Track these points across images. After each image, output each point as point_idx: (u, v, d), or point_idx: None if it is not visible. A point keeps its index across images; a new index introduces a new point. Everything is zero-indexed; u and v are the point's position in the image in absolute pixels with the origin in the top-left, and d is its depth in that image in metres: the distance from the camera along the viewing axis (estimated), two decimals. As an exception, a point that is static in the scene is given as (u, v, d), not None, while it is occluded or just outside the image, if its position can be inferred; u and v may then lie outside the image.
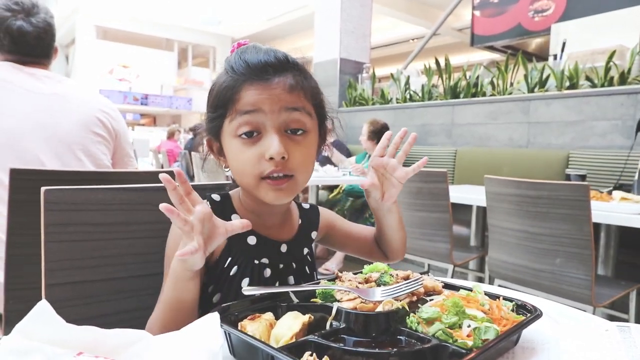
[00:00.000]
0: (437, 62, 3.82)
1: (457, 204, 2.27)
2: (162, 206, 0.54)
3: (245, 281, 0.71)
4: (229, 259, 0.72)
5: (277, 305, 0.59)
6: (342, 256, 3.45)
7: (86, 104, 1.37)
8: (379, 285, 0.63)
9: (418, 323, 0.53)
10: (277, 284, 0.75)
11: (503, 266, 1.91)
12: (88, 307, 0.79)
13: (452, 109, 3.64)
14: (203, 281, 0.72)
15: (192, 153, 4.64)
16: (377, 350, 0.49)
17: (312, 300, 0.62)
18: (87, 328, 0.42)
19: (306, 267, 0.80)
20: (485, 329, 0.50)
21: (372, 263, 0.73)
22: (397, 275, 0.66)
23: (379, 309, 0.55)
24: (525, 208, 1.73)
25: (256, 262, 0.73)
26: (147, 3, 12.05)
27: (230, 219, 0.70)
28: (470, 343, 0.49)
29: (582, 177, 2.09)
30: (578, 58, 3.01)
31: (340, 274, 0.68)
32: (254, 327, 0.52)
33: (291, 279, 0.77)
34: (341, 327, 0.54)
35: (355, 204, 3.64)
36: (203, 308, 0.70)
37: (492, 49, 6.13)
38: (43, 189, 0.75)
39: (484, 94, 3.51)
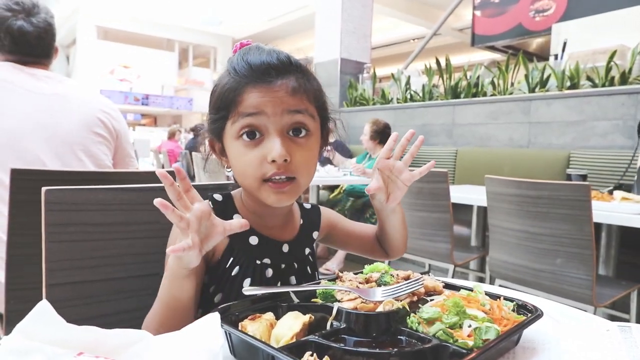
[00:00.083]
0: (438, 62, 3.82)
1: (458, 204, 2.26)
2: (157, 201, 0.53)
3: (247, 281, 0.71)
4: (231, 259, 0.72)
5: (278, 305, 0.59)
6: (342, 256, 3.45)
7: (87, 104, 1.37)
8: (379, 285, 0.63)
9: (419, 323, 0.53)
10: (278, 284, 0.75)
11: (504, 266, 1.91)
12: (88, 307, 0.79)
13: (453, 109, 3.64)
14: (204, 281, 0.72)
15: (193, 153, 4.64)
16: (377, 351, 0.49)
17: (312, 300, 0.62)
18: (88, 328, 0.42)
19: (308, 267, 0.80)
20: (486, 329, 0.50)
21: (372, 263, 0.73)
22: (397, 275, 0.66)
23: (380, 309, 0.55)
24: (526, 208, 1.73)
25: (258, 262, 0.73)
26: (148, 3, 12.06)
27: (231, 219, 0.69)
28: (471, 343, 0.49)
29: (583, 177, 2.08)
30: (579, 58, 3.00)
31: (340, 274, 0.68)
32: (254, 327, 0.52)
33: (293, 279, 0.77)
34: (342, 327, 0.54)
35: (355, 204, 3.64)
36: (204, 308, 0.70)
37: (492, 49, 6.13)
38: (44, 189, 0.75)
39: (484, 94, 3.50)
